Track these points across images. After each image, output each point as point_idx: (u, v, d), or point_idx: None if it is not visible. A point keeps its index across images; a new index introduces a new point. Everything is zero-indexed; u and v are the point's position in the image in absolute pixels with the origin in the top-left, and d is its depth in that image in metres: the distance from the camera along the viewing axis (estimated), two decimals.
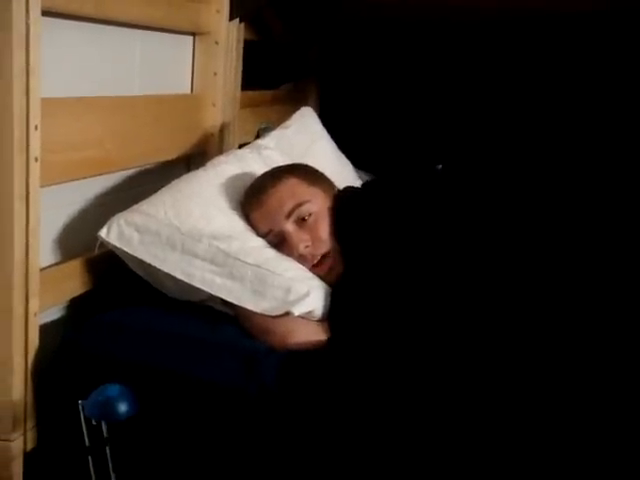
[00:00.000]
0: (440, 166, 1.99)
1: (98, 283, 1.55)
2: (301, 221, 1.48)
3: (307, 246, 1.47)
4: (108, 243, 1.47)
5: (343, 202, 1.54)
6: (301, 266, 1.47)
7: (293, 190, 1.50)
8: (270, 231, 1.49)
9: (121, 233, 1.46)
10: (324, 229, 1.48)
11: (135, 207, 1.51)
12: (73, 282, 1.50)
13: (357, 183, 1.86)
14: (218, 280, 1.42)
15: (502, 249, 1.39)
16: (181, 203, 1.51)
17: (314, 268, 1.47)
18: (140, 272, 1.52)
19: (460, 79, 2.49)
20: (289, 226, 1.48)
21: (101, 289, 1.56)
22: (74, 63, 1.49)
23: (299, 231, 1.48)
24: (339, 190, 1.60)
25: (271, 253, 1.47)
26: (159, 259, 1.45)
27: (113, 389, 1.21)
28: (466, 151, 2.45)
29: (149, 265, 1.47)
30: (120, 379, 1.24)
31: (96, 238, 1.48)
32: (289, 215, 1.48)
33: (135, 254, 1.47)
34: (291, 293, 1.39)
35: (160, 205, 1.50)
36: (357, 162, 2.06)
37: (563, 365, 1.20)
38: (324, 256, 1.47)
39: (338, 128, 2.05)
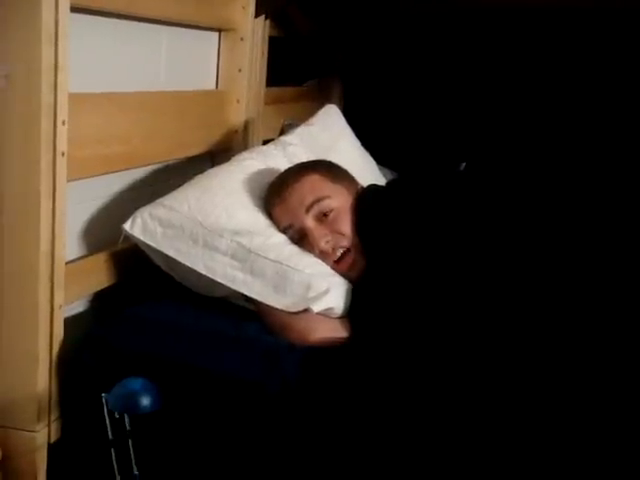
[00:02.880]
0: (464, 164, 1.98)
1: (123, 277, 1.56)
2: (322, 216, 1.48)
3: (328, 241, 1.46)
4: (132, 236, 1.48)
5: (365, 199, 1.53)
6: (322, 262, 1.47)
7: (314, 186, 1.50)
8: (291, 226, 1.49)
9: (145, 226, 1.47)
10: (345, 224, 1.48)
11: (159, 201, 1.51)
12: (98, 275, 1.51)
13: (381, 181, 1.87)
14: (239, 275, 1.43)
15: (525, 249, 1.38)
16: (205, 198, 1.51)
17: (335, 264, 1.47)
18: (163, 266, 1.53)
19: (485, 77, 2.47)
20: (309, 222, 1.47)
21: (126, 283, 1.57)
22: (101, 59, 1.50)
23: (319, 227, 1.47)
24: (362, 187, 1.59)
25: (292, 249, 1.47)
26: (182, 253, 1.46)
27: (136, 382, 1.21)
28: (490, 149, 2.42)
29: (172, 259, 1.48)
30: (143, 373, 1.24)
31: (121, 232, 1.49)
32: (309, 209, 1.47)
33: (158, 247, 1.47)
34: (311, 290, 1.39)
35: (184, 199, 1.50)
36: (381, 159, 2.05)
37: (575, 369, 1.20)
38: (345, 253, 1.47)
39: (362, 125, 2.04)
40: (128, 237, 1.49)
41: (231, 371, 1.30)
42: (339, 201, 1.50)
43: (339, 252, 1.47)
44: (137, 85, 1.61)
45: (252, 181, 1.60)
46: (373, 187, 1.62)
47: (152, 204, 1.51)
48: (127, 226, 1.48)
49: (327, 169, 1.56)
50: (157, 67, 1.70)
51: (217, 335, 1.37)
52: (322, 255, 1.46)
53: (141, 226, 1.47)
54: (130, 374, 1.23)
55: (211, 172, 1.65)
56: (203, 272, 1.45)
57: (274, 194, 1.53)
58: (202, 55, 1.88)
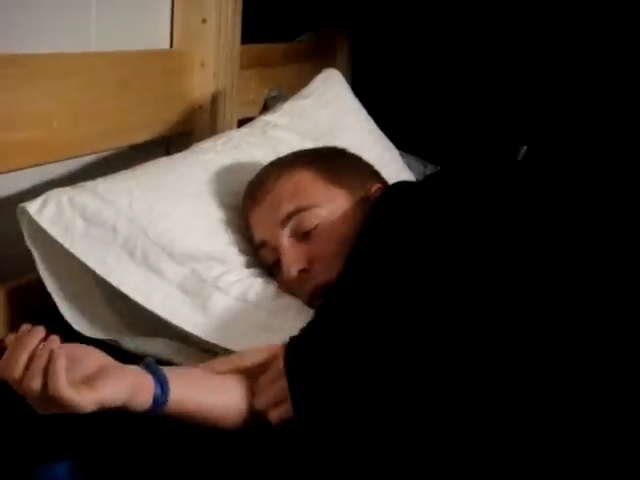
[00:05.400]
0: (524, 149, 1.96)
1: None
2: (302, 235, 1.44)
3: (302, 269, 1.43)
4: (36, 223, 1.39)
5: (384, 207, 1.44)
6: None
7: (299, 188, 1.47)
8: (264, 243, 1.47)
9: (59, 214, 1.40)
10: (332, 246, 1.41)
11: (85, 184, 1.45)
12: None
13: (407, 175, 1.88)
14: (183, 310, 1.40)
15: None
16: (155, 196, 1.48)
17: (311, 300, 1.43)
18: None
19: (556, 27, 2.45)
20: (285, 239, 1.44)
21: None
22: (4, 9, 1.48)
23: (296, 248, 1.44)
24: (382, 187, 1.53)
25: (269, 289, 1.45)
26: (105, 266, 1.41)
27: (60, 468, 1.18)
28: (563, 124, 2.39)
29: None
30: None
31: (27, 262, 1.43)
32: (285, 222, 1.45)
33: (71, 249, 1.40)
34: None
35: (123, 191, 1.46)
36: (404, 145, 2.04)
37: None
38: (325, 288, 1.40)
39: (376, 97, 2.04)
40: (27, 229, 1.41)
41: None
42: (331, 211, 1.45)
43: (316, 289, 1.42)
44: (58, 45, 1.59)
45: (221, 182, 1.59)
46: (401, 188, 1.49)
47: (74, 187, 1.44)
48: (32, 208, 1.38)
49: (328, 162, 1.53)
50: (86, 19, 1.69)
51: None
52: (289, 288, 1.44)
53: (53, 212, 1.39)
54: None
55: (167, 162, 1.63)
56: (130, 294, 1.40)
57: (248, 196, 1.53)
58: (150, 1, 1.88)
